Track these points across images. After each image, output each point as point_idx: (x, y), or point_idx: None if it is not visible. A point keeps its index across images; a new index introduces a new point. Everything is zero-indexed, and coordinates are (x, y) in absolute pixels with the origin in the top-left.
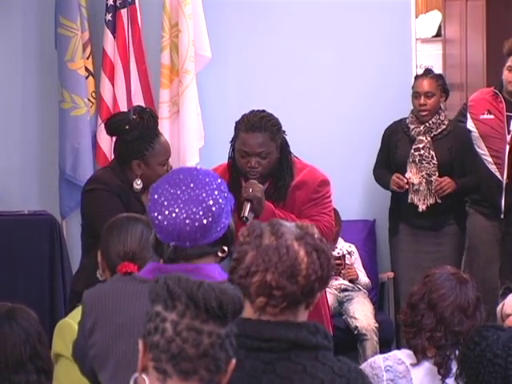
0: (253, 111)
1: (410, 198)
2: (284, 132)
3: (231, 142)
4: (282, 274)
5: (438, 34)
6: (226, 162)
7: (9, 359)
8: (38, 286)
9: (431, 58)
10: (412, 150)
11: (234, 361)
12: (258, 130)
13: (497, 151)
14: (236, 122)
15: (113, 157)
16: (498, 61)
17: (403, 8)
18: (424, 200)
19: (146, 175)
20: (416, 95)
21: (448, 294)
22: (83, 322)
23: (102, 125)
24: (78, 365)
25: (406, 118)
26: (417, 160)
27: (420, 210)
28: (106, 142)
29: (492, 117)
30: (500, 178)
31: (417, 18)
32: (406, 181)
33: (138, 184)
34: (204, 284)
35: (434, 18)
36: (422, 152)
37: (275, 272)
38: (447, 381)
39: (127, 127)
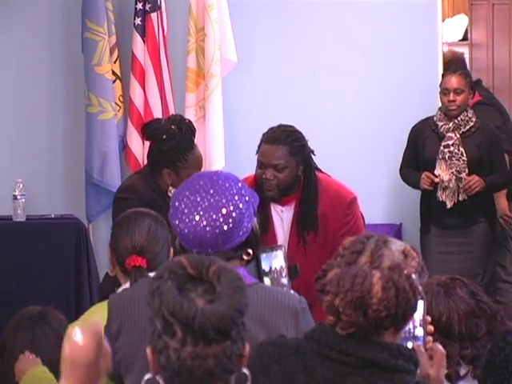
0: (280, 125)
1: (438, 195)
2: (312, 152)
3: (256, 153)
4: (349, 302)
5: (465, 38)
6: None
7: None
8: (64, 289)
9: None
10: (441, 147)
11: (247, 346)
12: (278, 142)
13: None
14: (262, 134)
15: (144, 161)
16: None
17: (430, 11)
18: (452, 197)
19: (175, 185)
20: (445, 92)
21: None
22: (109, 326)
23: (133, 128)
24: None
25: (432, 117)
26: (446, 157)
27: (448, 206)
28: (138, 146)
29: None
30: None
31: (443, 21)
32: (437, 179)
33: (171, 193)
34: (198, 312)
35: (461, 22)
36: (452, 149)
37: (344, 299)
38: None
39: (164, 137)
